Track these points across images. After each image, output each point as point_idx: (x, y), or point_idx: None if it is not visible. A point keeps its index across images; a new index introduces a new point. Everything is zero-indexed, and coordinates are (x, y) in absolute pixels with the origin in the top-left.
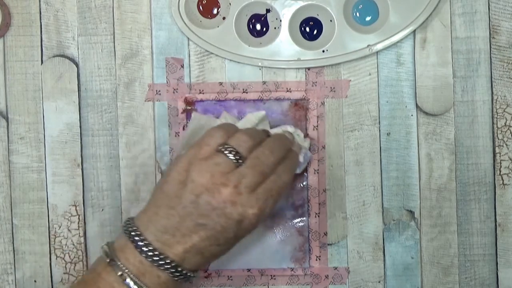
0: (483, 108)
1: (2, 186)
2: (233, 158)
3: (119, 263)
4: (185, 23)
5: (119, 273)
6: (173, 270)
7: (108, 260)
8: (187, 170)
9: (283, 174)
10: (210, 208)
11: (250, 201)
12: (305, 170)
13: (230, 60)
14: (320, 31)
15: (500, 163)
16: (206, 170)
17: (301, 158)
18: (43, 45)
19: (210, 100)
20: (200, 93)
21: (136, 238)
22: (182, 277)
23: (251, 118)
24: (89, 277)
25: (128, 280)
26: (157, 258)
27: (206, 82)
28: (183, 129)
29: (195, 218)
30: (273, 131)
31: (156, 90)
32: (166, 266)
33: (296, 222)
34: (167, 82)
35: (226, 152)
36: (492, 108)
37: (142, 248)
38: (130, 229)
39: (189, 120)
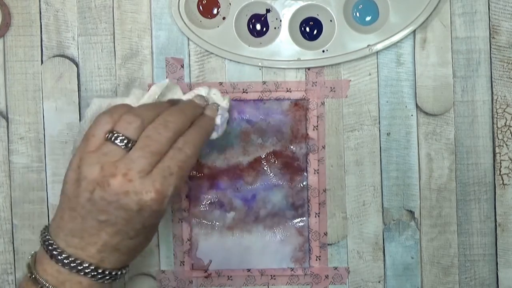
0: (483, 108)
1: (2, 186)
2: (120, 144)
3: (38, 276)
4: (185, 23)
5: (39, 286)
6: (94, 273)
7: (29, 275)
8: (79, 166)
9: (186, 146)
10: (106, 203)
11: (145, 186)
12: (225, 132)
13: (230, 60)
14: (320, 31)
15: (500, 163)
16: (95, 163)
17: (217, 121)
18: (43, 45)
19: None
20: None
21: (50, 247)
22: (107, 278)
23: (155, 90)
24: None
25: None
26: (74, 264)
27: (206, 82)
28: None
29: (96, 216)
30: (185, 97)
31: None
32: (85, 271)
33: (296, 222)
34: None
35: (113, 139)
36: (492, 108)
37: (57, 257)
38: (44, 238)
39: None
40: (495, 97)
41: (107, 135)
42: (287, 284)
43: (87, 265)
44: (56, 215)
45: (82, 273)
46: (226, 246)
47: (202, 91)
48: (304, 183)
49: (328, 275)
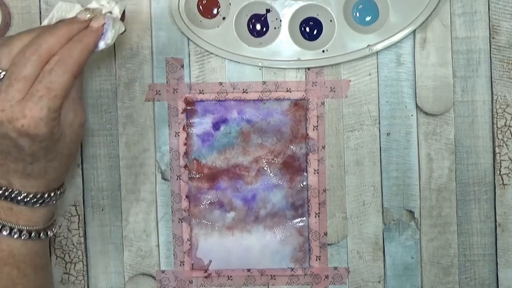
0: (483, 108)
1: None
2: None
3: None
4: (185, 23)
5: None
6: (19, 198)
7: None
8: None
9: (57, 65)
10: None
11: (15, 113)
12: None
13: (230, 60)
14: (320, 31)
15: (500, 163)
16: None
17: (108, 30)
18: None
19: (210, 100)
20: (200, 93)
21: None
22: (34, 201)
23: (53, 12)
24: None
25: None
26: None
27: (206, 82)
28: (183, 129)
29: None
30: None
31: (156, 90)
32: (11, 196)
33: (296, 222)
34: (167, 82)
35: None
36: (492, 108)
37: None
38: None
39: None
40: (495, 97)
41: None
42: (287, 284)
43: (11, 189)
44: None
45: (8, 199)
46: (226, 246)
47: (93, 3)
48: (304, 183)
49: (328, 275)
